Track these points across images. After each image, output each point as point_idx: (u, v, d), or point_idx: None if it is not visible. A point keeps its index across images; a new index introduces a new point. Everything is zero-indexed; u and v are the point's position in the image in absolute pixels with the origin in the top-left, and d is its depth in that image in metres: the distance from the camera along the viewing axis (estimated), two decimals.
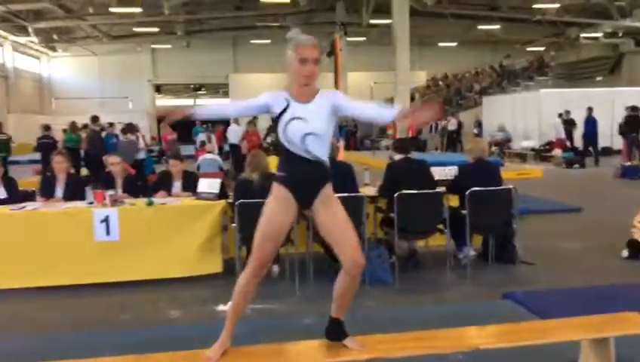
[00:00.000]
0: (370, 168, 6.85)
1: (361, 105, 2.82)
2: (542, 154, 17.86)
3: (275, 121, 2.76)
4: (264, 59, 29.14)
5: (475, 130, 21.32)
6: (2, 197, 5.64)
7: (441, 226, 5.34)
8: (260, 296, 4.75)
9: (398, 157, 5.57)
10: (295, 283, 5.00)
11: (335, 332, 2.85)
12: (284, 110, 2.71)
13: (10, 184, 5.82)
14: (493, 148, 18.23)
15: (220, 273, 5.31)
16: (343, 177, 5.13)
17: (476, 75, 29.75)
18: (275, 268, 5.37)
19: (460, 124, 22.34)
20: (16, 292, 4.98)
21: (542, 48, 31.66)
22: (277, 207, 2.78)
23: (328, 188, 2.81)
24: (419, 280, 5.32)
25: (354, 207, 5.01)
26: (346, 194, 4.93)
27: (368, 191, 5.73)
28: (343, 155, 5.84)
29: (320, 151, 2.73)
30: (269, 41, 29.02)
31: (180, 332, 4.06)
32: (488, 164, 5.81)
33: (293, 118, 2.69)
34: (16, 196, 5.71)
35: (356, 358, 2.76)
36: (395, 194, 5.04)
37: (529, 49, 31.78)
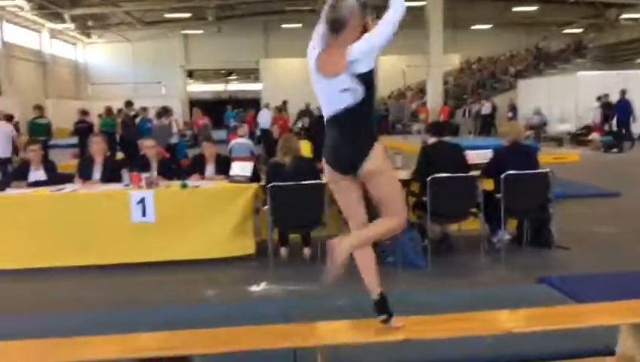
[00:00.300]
0: (402, 152, 6.79)
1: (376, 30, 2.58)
2: (579, 138, 17.43)
3: (370, 76, 2.60)
4: (295, 43, 28.94)
5: (510, 114, 20.90)
6: (42, 179, 5.80)
7: (474, 210, 5.28)
8: (291, 277, 4.85)
9: (432, 140, 5.51)
10: (326, 265, 5.02)
11: (387, 308, 2.76)
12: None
13: (49, 167, 5.98)
14: (529, 132, 17.85)
15: (253, 254, 5.38)
16: None
17: (511, 58, 29.10)
18: (307, 250, 5.40)
19: (494, 108, 21.91)
20: (57, 271, 5.15)
21: (579, 30, 30.71)
22: None
23: (376, 151, 2.75)
24: (452, 264, 5.29)
25: None
26: None
27: (400, 175, 5.69)
28: None
29: (366, 110, 2.67)
30: (299, 25, 28.91)
31: (214, 311, 4.14)
32: (524, 147, 5.70)
33: None
34: (56, 178, 5.88)
35: (391, 339, 2.76)
36: (428, 178, 5.00)
37: (566, 31, 30.86)
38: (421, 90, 26.74)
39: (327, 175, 2.77)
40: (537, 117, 19.55)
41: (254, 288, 4.71)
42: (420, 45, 22.33)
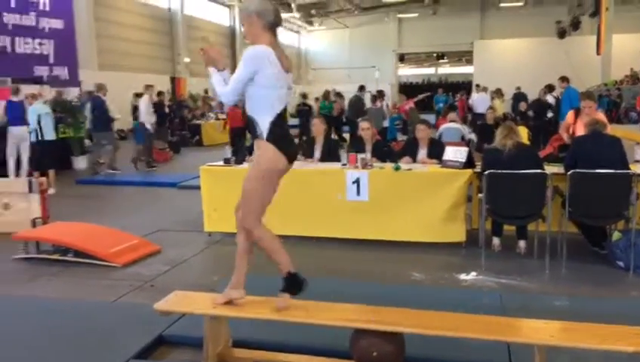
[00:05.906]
0: None
1: None
2: None
3: None
4: (514, 23, 27.36)
5: None
6: None
7: None
8: (504, 271, 4.65)
9: None
10: (545, 261, 4.71)
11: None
12: None
13: None
14: None
15: (463, 242, 5.29)
16: (611, 152, 4.60)
17: None
18: (522, 244, 5.11)
19: None
20: (283, 239, 5.67)
21: None
22: None
23: (256, 146, 2.99)
24: None
25: (621, 185, 4.47)
26: (612, 171, 4.43)
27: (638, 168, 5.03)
28: (610, 129, 5.21)
29: (249, 108, 2.95)
30: (521, 3, 27.09)
31: (423, 293, 4.18)
32: None
33: None
34: None
35: (618, 348, 2.49)
36: None
37: None
38: None
39: (284, 166, 3.03)
40: None
41: (464, 276, 4.62)
42: None
